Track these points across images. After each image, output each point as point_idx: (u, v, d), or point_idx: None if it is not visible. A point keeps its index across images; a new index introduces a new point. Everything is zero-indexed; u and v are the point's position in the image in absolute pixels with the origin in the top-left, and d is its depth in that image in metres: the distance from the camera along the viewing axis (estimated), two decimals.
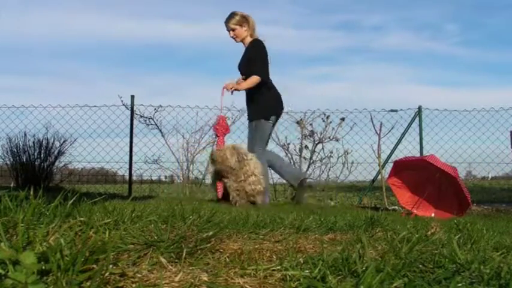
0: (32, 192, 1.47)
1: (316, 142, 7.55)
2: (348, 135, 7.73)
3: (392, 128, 7.71)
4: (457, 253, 1.20)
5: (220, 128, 4.83)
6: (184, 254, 1.13)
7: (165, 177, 11.70)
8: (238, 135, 7.79)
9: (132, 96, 7.91)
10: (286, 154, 7.55)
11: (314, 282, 0.94)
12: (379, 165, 7.46)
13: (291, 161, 7.54)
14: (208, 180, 8.23)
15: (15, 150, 7.04)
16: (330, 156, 7.56)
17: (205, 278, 0.96)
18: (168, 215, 1.72)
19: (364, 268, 1.01)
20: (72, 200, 1.53)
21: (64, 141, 7.34)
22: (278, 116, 5.26)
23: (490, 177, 14.41)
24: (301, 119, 7.61)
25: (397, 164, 5.97)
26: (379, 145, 7.39)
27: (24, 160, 7.02)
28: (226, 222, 1.76)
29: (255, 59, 5.09)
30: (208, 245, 1.27)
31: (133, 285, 0.89)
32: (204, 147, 7.80)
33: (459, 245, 1.50)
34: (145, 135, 8.08)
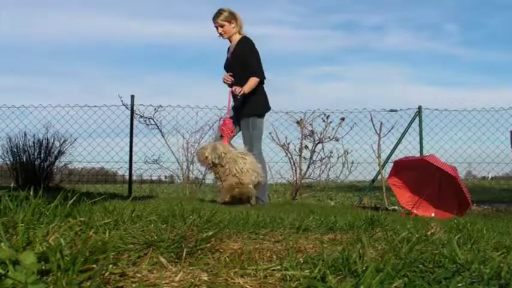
0: (32, 192, 1.47)
1: (316, 142, 7.55)
2: (348, 135, 7.73)
3: (392, 128, 7.71)
4: (457, 253, 1.20)
5: (226, 129, 4.86)
6: (184, 254, 1.13)
7: (165, 177, 11.73)
8: (239, 135, 7.79)
9: (132, 96, 7.91)
10: (286, 154, 7.56)
11: (314, 282, 0.94)
12: (379, 165, 7.46)
13: (291, 161, 7.55)
14: (209, 180, 8.24)
15: (15, 150, 7.05)
16: (330, 156, 7.56)
17: (205, 278, 0.96)
18: (168, 215, 1.72)
19: (364, 268, 1.01)
20: (72, 200, 1.53)
21: (64, 141, 7.35)
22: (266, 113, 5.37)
23: (490, 177, 14.43)
24: (301, 119, 7.61)
25: (397, 164, 5.98)
26: (379, 145, 7.39)
27: (24, 160, 7.02)
28: (226, 222, 1.76)
29: (250, 58, 5.10)
30: (208, 245, 1.27)
31: (133, 285, 0.89)
32: None
33: (459, 245, 1.50)
34: (145, 135, 8.09)
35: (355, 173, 7.72)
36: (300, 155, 7.54)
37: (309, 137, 7.57)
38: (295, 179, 7.49)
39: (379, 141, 7.39)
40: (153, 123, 7.79)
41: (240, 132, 5.16)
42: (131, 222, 1.52)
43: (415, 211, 5.60)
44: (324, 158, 7.56)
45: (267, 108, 5.23)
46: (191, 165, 7.87)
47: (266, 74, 5.16)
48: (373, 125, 7.46)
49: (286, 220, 2.00)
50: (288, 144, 7.57)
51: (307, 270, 1.01)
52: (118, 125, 8.04)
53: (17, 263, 0.82)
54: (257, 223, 1.82)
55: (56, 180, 7.64)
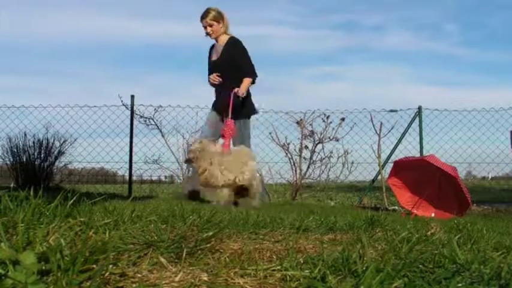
0: (32, 192, 1.47)
1: (316, 142, 7.55)
2: (348, 135, 7.72)
3: (392, 128, 7.71)
4: (457, 253, 1.20)
5: (228, 130, 4.91)
6: (184, 254, 1.13)
7: (165, 177, 11.72)
8: None
9: (132, 96, 7.91)
10: (286, 154, 7.56)
11: (314, 282, 0.94)
12: (379, 165, 7.46)
13: (291, 161, 7.55)
14: None
15: (15, 150, 7.04)
16: (330, 156, 7.56)
17: (205, 278, 0.96)
18: (168, 215, 1.73)
19: (364, 268, 1.01)
20: (72, 200, 1.53)
21: (64, 141, 7.35)
22: None
23: (490, 177, 14.42)
24: (301, 119, 7.61)
25: (397, 164, 5.98)
26: (379, 145, 7.40)
27: (24, 160, 7.01)
28: (226, 222, 1.76)
29: (242, 59, 5.14)
30: (208, 245, 1.27)
31: (133, 285, 0.89)
32: None
33: (459, 245, 1.50)
34: (145, 135, 8.08)
35: (355, 173, 7.73)
36: (300, 155, 7.54)
37: (309, 137, 7.56)
38: (295, 179, 7.49)
39: (379, 141, 7.39)
40: (153, 123, 7.79)
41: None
42: (131, 222, 1.52)
43: (415, 211, 5.60)
44: (324, 158, 7.56)
45: (254, 110, 5.32)
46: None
47: (259, 74, 5.23)
48: (373, 125, 7.47)
49: (286, 220, 2.00)
50: (288, 144, 7.57)
51: (307, 271, 1.01)
52: (118, 125, 8.04)
53: (17, 263, 0.82)
54: (257, 223, 1.82)
55: (56, 181, 7.63)
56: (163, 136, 7.82)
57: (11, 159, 7.10)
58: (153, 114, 7.78)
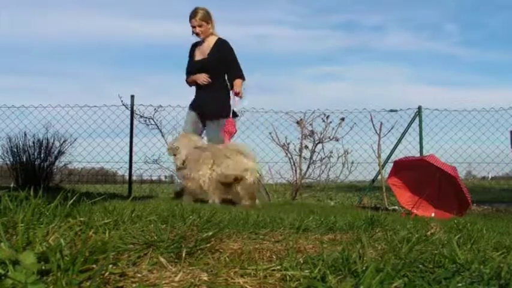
0: (32, 192, 1.47)
1: (316, 142, 7.54)
2: (348, 135, 7.71)
3: (392, 128, 7.70)
4: (457, 253, 1.20)
5: (228, 129, 4.98)
6: (184, 254, 1.13)
7: (165, 177, 11.72)
8: (238, 135, 7.79)
9: (132, 96, 7.91)
10: (286, 154, 7.56)
11: (314, 282, 0.94)
12: (379, 165, 7.46)
13: (291, 161, 7.55)
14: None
15: (15, 150, 7.04)
16: (330, 156, 7.55)
17: (205, 278, 0.96)
18: (168, 215, 1.72)
19: (364, 268, 1.01)
20: (72, 200, 1.53)
21: (64, 141, 7.34)
22: None
23: (490, 177, 14.43)
24: (301, 119, 7.60)
25: (397, 164, 5.98)
26: (379, 145, 7.39)
27: (24, 160, 7.01)
28: (226, 222, 1.76)
29: (232, 61, 5.16)
30: (208, 245, 1.27)
31: (133, 285, 0.89)
32: None
33: (459, 245, 1.50)
34: (145, 135, 8.08)
35: (355, 173, 7.71)
36: (300, 155, 7.54)
37: (309, 137, 7.56)
38: (295, 179, 7.49)
39: (379, 141, 7.39)
40: (153, 123, 7.78)
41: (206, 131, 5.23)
42: (131, 222, 1.52)
43: (415, 211, 5.60)
44: (324, 158, 7.55)
45: (231, 111, 5.30)
46: None
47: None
48: (373, 125, 7.46)
49: (286, 220, 2.00)
50: (288, 144, 7.57)
51: (307, 270, 1.01)
52: (118, 125, 8.04)
53: (17, 263, 0.82)
54: (257, 223, 1.82)
55: (56, 180, 7.63)
56: (163, 136, 7.82)
57: (11, 159, 7.10)
58: (153, 114, 7.78)
